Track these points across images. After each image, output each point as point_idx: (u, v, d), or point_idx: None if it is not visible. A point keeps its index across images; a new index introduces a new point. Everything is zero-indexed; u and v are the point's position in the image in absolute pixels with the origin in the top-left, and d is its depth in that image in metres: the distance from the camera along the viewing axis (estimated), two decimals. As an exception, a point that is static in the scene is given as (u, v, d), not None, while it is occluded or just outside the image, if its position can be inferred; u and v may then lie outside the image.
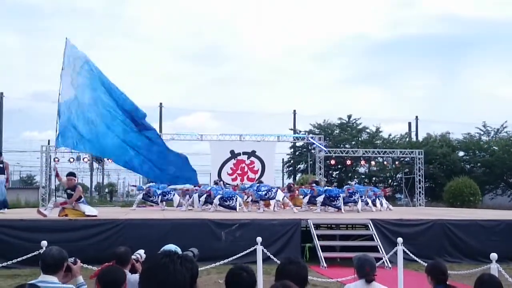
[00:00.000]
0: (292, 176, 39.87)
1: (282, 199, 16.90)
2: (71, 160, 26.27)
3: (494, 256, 6.44)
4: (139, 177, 61.34)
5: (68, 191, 12.79)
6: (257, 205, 16.61)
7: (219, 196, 15.83)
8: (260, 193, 16.48)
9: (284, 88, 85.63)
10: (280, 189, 18.20)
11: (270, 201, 16.70)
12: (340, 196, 15.85)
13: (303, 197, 16.76)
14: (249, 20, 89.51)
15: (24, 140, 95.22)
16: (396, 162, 32.71)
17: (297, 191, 18.21)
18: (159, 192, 17.87)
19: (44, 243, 7.04)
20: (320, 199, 15.84)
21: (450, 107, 78.75)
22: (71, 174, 13.36)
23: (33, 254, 8.01)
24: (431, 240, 12.62)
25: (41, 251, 6.29)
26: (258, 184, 18.24)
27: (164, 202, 18.09)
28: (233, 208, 15.71)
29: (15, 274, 9.99)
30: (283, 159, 41.84)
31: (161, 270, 2.12)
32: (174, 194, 18.12)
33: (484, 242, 12.31)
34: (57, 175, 13.85)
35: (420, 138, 39.56)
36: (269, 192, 16.54)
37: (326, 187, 17.02)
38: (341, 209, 15.73)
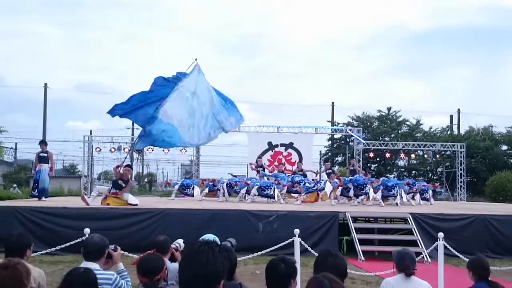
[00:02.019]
0: (330, 169, 39.57)
1: (330, 192, 16.05)
2: (112, 150, 26.65)
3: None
4: (177, 168, 62.08)
5: (120, 181, 12.79)
6: (294, 196, 16.57)
7: (256, 187, 15.87)
8: (307, 185, 16.24)
9: (322, 79, 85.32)
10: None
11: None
12: (367, 184, 15.76)
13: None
14: (286, 10, 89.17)
15: (67, 130, 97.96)
16: (437, 156, 32.09)
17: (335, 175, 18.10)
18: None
19: (87, 230, 7.19)
20: (351, 192, 15.80)
21: (493, 100, 76.94)
22: (129, 166, 14.05)
23: (76, 241, 8.17)
24: (472, 236, 12.38)
25: (84, 238, 6.45)
26: (292, 176, 17.91)
27: (198, 191, 18.13)
28: (272, 197, 15.67)
29: (57, 260, 10.26)
30: (320, 151, 41.60)
31: (199, 257, 2.16)
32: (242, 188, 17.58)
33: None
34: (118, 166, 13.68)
35: (462, 131, 38.75)
36: (318, 184, 16.16)
37: (351, 177, 16.78)
38: (369, 196, 15.67)
